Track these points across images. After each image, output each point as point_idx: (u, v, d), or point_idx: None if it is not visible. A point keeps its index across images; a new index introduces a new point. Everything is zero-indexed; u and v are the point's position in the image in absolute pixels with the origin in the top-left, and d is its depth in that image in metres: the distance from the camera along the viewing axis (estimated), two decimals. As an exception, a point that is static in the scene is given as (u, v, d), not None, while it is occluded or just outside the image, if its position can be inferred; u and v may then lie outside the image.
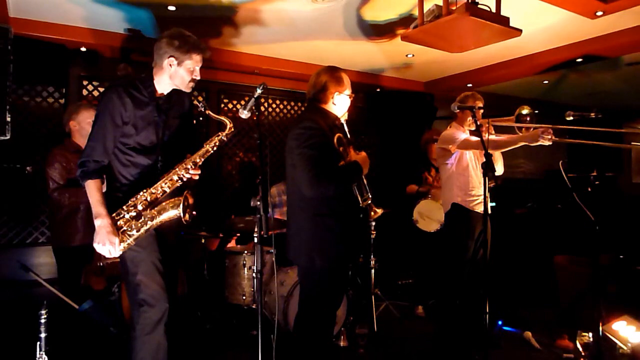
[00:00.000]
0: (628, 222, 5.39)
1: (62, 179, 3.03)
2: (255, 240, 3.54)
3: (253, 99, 2.29)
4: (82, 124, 3.13)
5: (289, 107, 5.51)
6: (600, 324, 3.00)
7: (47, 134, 3.97)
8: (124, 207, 2.17)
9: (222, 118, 2.34)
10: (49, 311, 2.15)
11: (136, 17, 3.67)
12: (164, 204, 2.19)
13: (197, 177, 2.30)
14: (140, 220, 2.16)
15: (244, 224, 3.96)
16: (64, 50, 3.89)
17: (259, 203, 2.24)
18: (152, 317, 2.17)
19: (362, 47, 4.42)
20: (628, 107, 7.52)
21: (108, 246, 2.09)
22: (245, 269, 3.76)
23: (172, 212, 2.17)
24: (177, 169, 2.24)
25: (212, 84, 4.92)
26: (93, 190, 2.12)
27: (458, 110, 3.14)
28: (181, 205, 2.16)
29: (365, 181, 2.45)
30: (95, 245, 2.11)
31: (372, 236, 4.09)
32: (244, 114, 2.34)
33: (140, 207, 2.17)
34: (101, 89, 4.30)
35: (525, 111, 2.95)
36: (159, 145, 2.28)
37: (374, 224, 4.11)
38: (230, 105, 5.11)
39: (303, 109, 5.62)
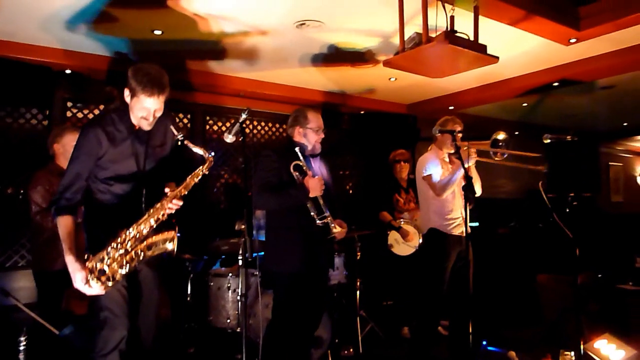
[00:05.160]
0: (608, 240, 5.50)
1: (44, 202, 2.99)
2: (240, 262, 3.52)
3: (238, 124, 2.32)
4: (67, 147, 3.08)
5: (274, 129, 5.55)
6: (582, 343, 3.03)
7: (29, 156, 3.92)
8: (109, 249, 2.14)
9: (201, 152, 2.26)
10: (29, 337, 2.12)
11: (120, 44, 3.71)
12: (154, 239, 2.20)
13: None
14: (128, 257, 2.16)
15: (228, 246, 3.93)
16: (49, 72, 3.88)
17: (243, 227, 2.26)
18: (109, 340, 2.21)
19: (345, 72, 4.52)
20: (606, 128, 7.74)
21: (86, 287, 2.12)
22: (230, 291, 3.73)
23: (165, 247, 2.21)
24: (163, 203, 2.21)
25: (197, 106, 4.95)
26: (64, 232, 2.15)
27: (438, 134, 3.33)
28: (175, 240, 2.19)
29: (322, 202, 2.67)
30: (75, 286, 2.14)
31: (357, 257, 4.10)
32: (229, 138, 2.37)
33: (128, 245, 2.16)
34: (86, 111, 4.28)
35: (501, 136, 2.98)
36: (140, 174, 2.29)
37: (359, 244, 4.14)
38: (215, 127, 5.13)
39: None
